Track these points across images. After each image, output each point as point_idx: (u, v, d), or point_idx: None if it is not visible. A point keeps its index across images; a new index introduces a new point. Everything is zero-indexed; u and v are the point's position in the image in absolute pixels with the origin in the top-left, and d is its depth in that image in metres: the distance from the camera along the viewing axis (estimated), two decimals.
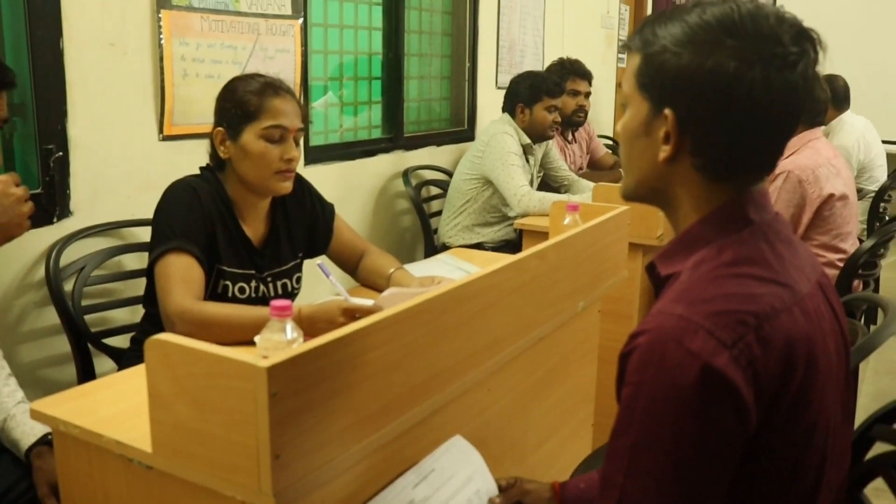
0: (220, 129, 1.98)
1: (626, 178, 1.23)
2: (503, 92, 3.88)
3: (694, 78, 1.07)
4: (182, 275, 1.82)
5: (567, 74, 4.35)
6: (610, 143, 5.64)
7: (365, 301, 1.94)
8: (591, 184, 3.83)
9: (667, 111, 1.10)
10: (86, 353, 2.30)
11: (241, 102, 1.95)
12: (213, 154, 2.03)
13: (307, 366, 1.05)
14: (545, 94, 3.74)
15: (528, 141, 3.76)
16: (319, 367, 1.07)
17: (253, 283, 2.03)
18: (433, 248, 3.93)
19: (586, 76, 4.40)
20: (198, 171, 2.05)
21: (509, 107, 3.81)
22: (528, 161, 3.79)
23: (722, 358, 0.97)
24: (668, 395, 0.98)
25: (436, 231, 3.98)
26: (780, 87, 1.04)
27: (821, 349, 1.08)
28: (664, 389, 0.99)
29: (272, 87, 1.97)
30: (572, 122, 4.43)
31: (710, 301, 1.02)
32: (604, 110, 6.54)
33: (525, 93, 3.75)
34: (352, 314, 1.74)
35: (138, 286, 2.41)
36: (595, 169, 4.70)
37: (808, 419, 1.06)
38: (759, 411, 1.00)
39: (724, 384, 0.97)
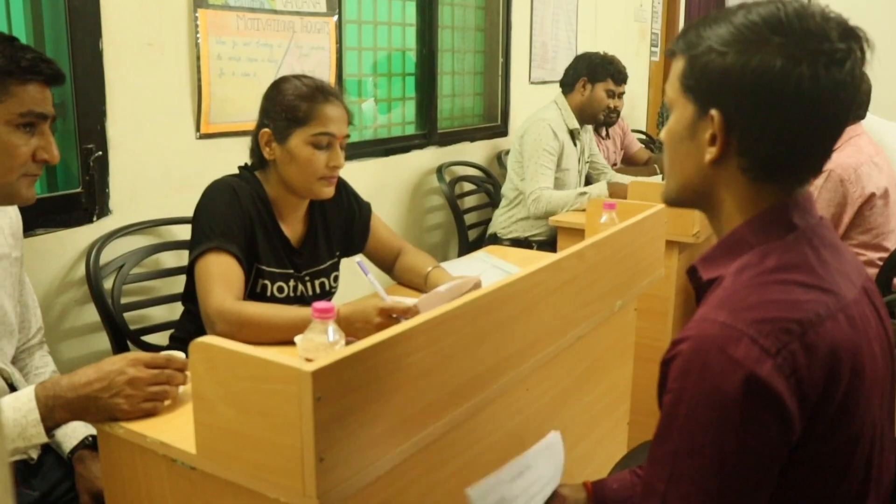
0: (266, 130, 1.98)
1: (669, 182, 1.22)
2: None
3: (740, 76, 1.06)
4: (222, 274, 1.83)
5: None
6: (643, 137, 5.60)
7: (402, 299, 1.94)
8: (626, 178, 3.82)
9: (713, 112, 1.10)
10: (125, 350, 2.32)
11: (290, 107, 1.95)
12: (256, 152, 2.04)
13: (351, 369, 1.05)
14: (610, 77, 3.73)
15: (577, 125, 3.72)
16: (362, 370, 1.07)
17: (291, 283, 2.04)
18: (467, 243, 3.93)
19: (625, 79, 4.34)
20: (236, 171, 2.07)
21: (570, 80, 3.76)
22: (575, 145, 3.76)
23: (766, 366, 0.96)
24: (710, 403, 0.98)
25: (477, 224, 3.96)
26: (829, 84, 1.03)
27: (867, 356, 1.06)
28: (706, 397, 0.98)
29: (322, 92, 1.97)
30: (605, 122, 4.39)
31: (754, 308, 1.01)
32: (637, 105, 6.50)
33: (592, 68, 3.72)
34: (388, 314, 1.74)
35: (176, 283, 2.45)
36: (629, 164, 4.67)
37: (854, 427, 1.05)
38: (802, 420, 0.99)
39: (767, 393, 0.96)
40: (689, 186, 1.19)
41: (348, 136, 2.03)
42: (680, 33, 1.17)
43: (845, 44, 1.04)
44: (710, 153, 1.12)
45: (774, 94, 1.04)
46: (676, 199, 1.23)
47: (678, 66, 1.15)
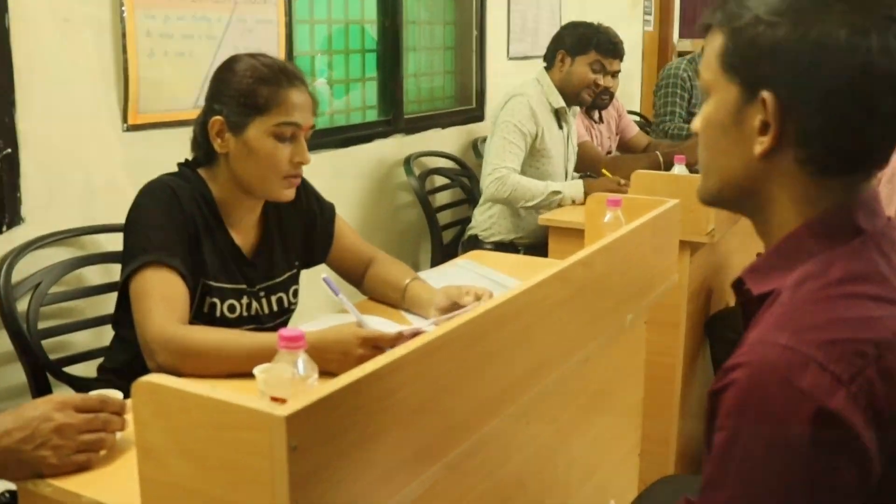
0: (218, 117, 1.94)
1: (707, 179, 1.20)
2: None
3: (797, 52, 1.04)
4: (162, 293, 1.79)
5: None
6: (639, 119, 5.62)
7: (386, 325, 1.90)
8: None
9: (764, 94, 1.07)
10: (44, 384, 2.27)
11: (248, 91, 1.91)
12: (202, 144, 2.00)
13: (332, 411, 1.01)
14: (594, 49, 3.68)
15: (563, 104, 3.69)
16: (346, 411, 1.04)
17: (244, 300, 2.01)
18: (441, 247, 3.92)
19: (618, 53, 4.29)
20: (175, 169, 2.02)
21: (550, 55, 3.75)
22: (560, 128, 3.74)
23: (838, 397, 0.93)
24: (773, 443, 0.95)
25: (452, 224, 3.93)
26: None
27: None
28: (768, 437, 0.95)
29: (286, 74, 1.94)
30: (595, 105, 4.37)
31: (821, 328, 0.99)
32: (631, 82, 6.52)
33: (572, 40, 3.69)
34: (372, 344, 1.70)
35: (104, 304, 2.40)
36: (626, 151, 4.64)
37: None
38: (882, 459, 0.96)
39: (841, 430, 0.93)
40: (733, 184, 1.16)
41: (314, 127, 2.00)
42: (718, 2, 1.14)
43: None
44: (762, 144, 1.09)
45: (839, 72, 1.02)
46: (717, 199, 1.21)
47: (716, 42, 1.12)
